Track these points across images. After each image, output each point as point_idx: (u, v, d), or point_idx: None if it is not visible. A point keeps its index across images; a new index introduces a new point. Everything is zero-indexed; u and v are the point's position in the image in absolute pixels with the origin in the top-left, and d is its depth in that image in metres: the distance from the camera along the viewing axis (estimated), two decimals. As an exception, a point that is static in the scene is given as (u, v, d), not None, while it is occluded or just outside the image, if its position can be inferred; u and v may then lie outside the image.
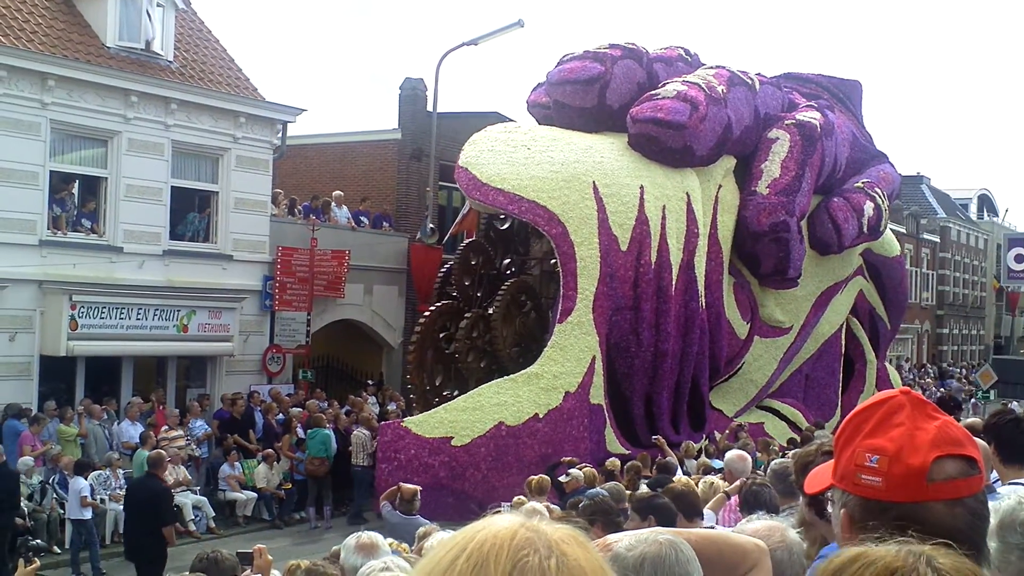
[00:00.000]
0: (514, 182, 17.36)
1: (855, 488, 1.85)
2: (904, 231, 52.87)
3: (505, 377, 17.24)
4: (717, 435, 19.74)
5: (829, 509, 2.07)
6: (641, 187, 18.19)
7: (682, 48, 20.51)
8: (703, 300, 19.04)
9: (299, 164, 25.73)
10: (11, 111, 17.51)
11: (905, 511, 1.78)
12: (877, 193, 21.35)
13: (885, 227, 22.14)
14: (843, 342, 22.92)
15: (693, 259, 18.64)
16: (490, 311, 17.90)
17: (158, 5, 20.06)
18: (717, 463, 13.24)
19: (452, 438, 16.87)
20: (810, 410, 21.56)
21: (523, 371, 17.18)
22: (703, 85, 18.55)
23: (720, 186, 19.73)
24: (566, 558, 1.20)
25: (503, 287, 18.02)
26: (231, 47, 21.91)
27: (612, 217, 17.81)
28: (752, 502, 6.26)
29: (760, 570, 2.93)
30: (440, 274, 19.18)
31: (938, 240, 54.98)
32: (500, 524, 1.24)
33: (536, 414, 16.96)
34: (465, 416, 16.88)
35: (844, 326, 22.94)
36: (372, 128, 27.81)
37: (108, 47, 19.27)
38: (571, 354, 17.30)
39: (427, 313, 18.80)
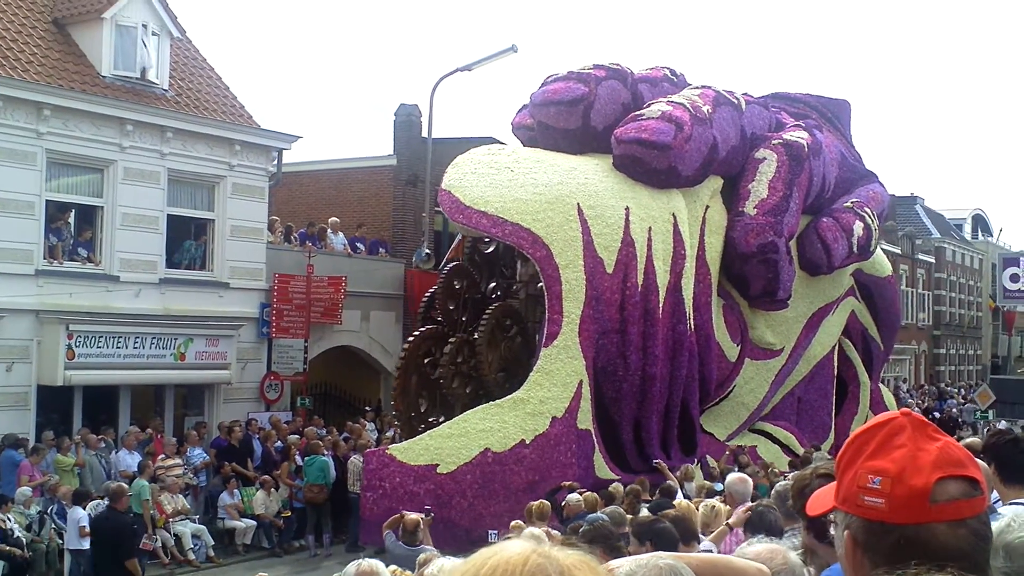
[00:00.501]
0: (497, 204, 16.95)
1: (858, 510, 1.84)
2: (899, 252, 52.46)
3: (490, 403, 16.74)
4: (709, 460, 19.25)
5: (831, 531, 2.13)
6: (626, 209, 17.76)
7: (667, 68, 20.14)
8: (691, 323, 18.58)
9: (295, 191, 25.66)
10: (6, 141, 17.51)
11: (908, 532, 1.77)
12: (867, 212, 20.91)
13: (875, 247, 21.68)
14: (835, 364, 22.39)
15: (680, 281, 18.18)
16: (475, 336, 17.42)
17: (153, 34, 20.17)
18: (718, 486, 13.17)
19: (437, 465, 16.42)
20: (803, 433, 21.08)
21: (509, 396, 16.72)
22: (688, 105, 18.15)
23: (707, 207, 19.31)
24: None
25: (488, 311, 17.55)
26: (226, 75, 22.44)
27: (597, 239, 17.38)
28: (757, 524, 6.23)
29: None
30: (424, 299, 18.73)
31: (933, 260, 54.57)
32: (511, 550, 1.22)
33: (523, 440, 16.50)
34: (450, 443, 16.43)
35: (836, 347, 22.43)
36: (367, 154, 27.94)
37: (103, 76, 19.33)
38: (557, 378, 16.84)
39: (411, 338, 18.34)
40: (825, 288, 21.37)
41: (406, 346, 18.40)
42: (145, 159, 19.27)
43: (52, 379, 17.55)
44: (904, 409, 1.98)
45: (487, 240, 18.55)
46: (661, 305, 17.97)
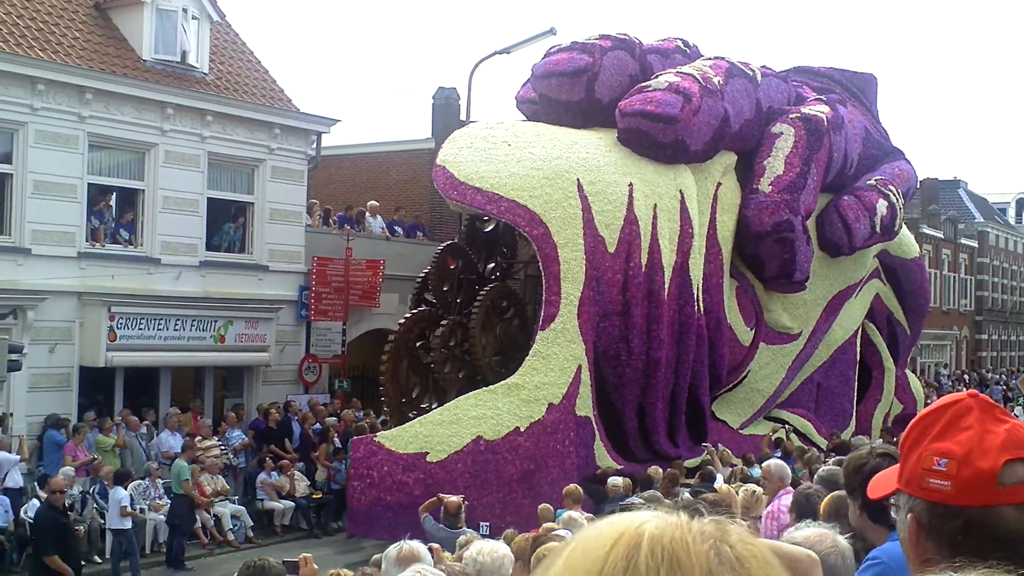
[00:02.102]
0: (492, 180, 15.61)
1: (923, 492, 1.77)
2: (942, 236, 50.28)
3: (483, 388, 15.42)
4: (721, 447, 17.75)
5: (893, 515, 1.99)
6: (630, 185, 16.30)
7: (680, 39, 18.62)
8: (701, 305, 17.10)
9: (333, 174, 25.37)
10: (50, 124, 17.50)
11: (975, 515, 1.70)
12: (891, 191, 19.22)
13: (900, 226, 19.97)
14: (858, 349, 20.71)
15: (688, 261, 16.71)
16: (469, 318, 16.09)
17: (193, 18, 19.99)
18: (754, 471, 12.79)
19: (427, 453, 15.24)
20: (822, 421, 19.48)
21: (502, 382, 15.40)
22: (698, 76, 16.64)
23: (719, 184, 17.76)
24: (751, 545, 1.04)
25: (482, 292, 16.19)
26: (265, 59, 22.33)
27: (598, 217, 15.97)
28: (804, 508, 5.90)
29: None
30: (418, 280, 17.41)
31: (976, 245, 52.28)
32: (650, 517, 1.06)
33: (517, 428, 15.28)
34: (441, 430, 15.22)
35: (859, 332, 20.74)
36: (406, 138, 27.31)
37: (144, 60, 19.15)
38: (554, 363, 15.48)
39: (401, 321, 17.05)
40: (847, 270, 19.70)
41: (396, 328, 17.10)
42: (185, 142, 19.14)
43: (94, 360, 17.50)
44: (971, 391, 1.89)
45: (486, 218, 17.17)
46: (667, 286, 16.55)
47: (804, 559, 2.90)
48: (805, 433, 19.06)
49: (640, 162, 16.67)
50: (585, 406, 15.86)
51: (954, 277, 51.82)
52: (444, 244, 17.85)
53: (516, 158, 15.99)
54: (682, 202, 16.93)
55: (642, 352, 16.37)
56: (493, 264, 17.96)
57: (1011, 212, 62.24)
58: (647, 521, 1.08)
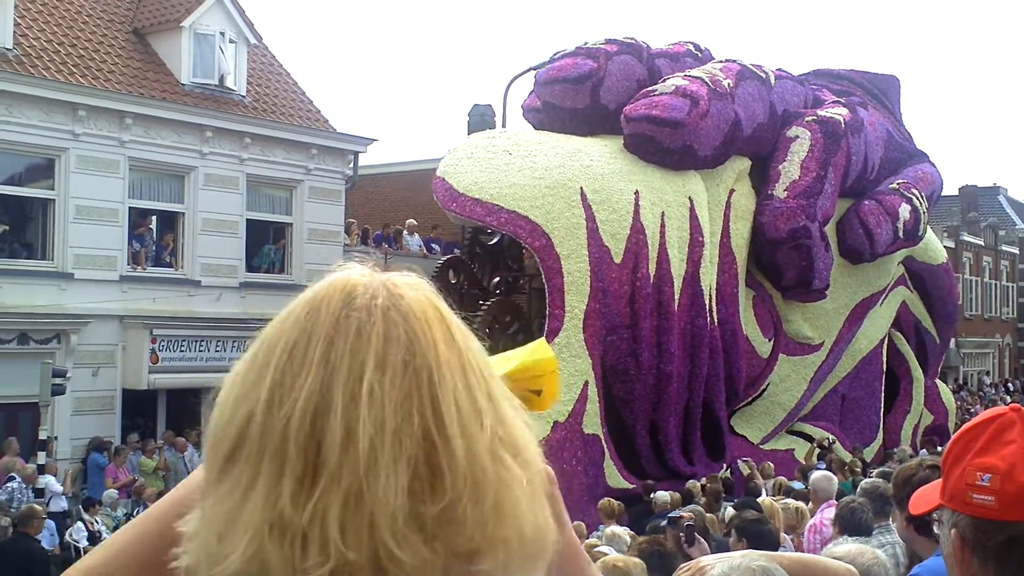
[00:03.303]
0: (492, 191, 14.74)
1: (966, 508, 1.73)
2: (982, 243, 48.57)
3: (485, 407, 14.40)
4: (741, 464, 16.71)
5: (936, 530, 2.00)
6: (636, 192, 15.32)
7: (691, 43, 17.64)
8: (714, 316, 16.05)
9: (371, 193, 25.23)
10: (91, 150, 17.53)
11: (1019, 531, 1.66)
12: (914, 194, 18.03)
13: (924, 231, 18.75)
14: (884, 359, 19.43)
15: (699, 271, 15.68)
16: (469, 334, 15.11)
17: (231, 41, 20.04)
18: (796, 485, 12.55)
19: (429, 476, 14.11)
20: (847, 434, 18.30)
21: (506, 399, 14.32)
22: (707, 79, 15.65)
23: (732, 190, 16.71)
24: (400, 299, 1.00)
25: (483, 307, 15.29)
26: (302, 80, 22.77)
27: (603, 226, 15.00)
28: (848, 521, 5.91)
29: None
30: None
31: (1017, 252, 50.51)
32: (343, 273, 1.05)
33: (522, 447, 14.07)
34: (442, 450, 14.13)
35: (886, 341, 19.46)
36: (442, 155, 27.02)
37: (183, 84, 19.18)
38: (559, 380, 14.33)
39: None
40: (870, 277, 18.50)
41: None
42: (225, 165, 19.17)
43: (136, 383, 17.49)
44: (1014, 404, 1.86)
45: (489, 231, 16.28)
46: (677, 297, 15.53)
47: (844, 574, 2.82)
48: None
49: (647, 169, 15.69)
50: (593, 423, 14.89)
51: (996, 284, 50.05)
52: (444, 258, 17.00)
53: (517, 167, 15.10)
54: (691, 209, 15.91)
55: (652, 366, 15.37)
56: (498, 278, 17.04)
57: (1052, 217, 59.94)
58: (331, 278, 1.05)
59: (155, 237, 18.74)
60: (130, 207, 18.02)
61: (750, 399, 17.46)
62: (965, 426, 1.83)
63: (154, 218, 18.83)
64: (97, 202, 17.46)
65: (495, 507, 0.95)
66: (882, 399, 19.53)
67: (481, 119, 24.81)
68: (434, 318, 1.01)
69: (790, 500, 9.28)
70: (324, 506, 0.91)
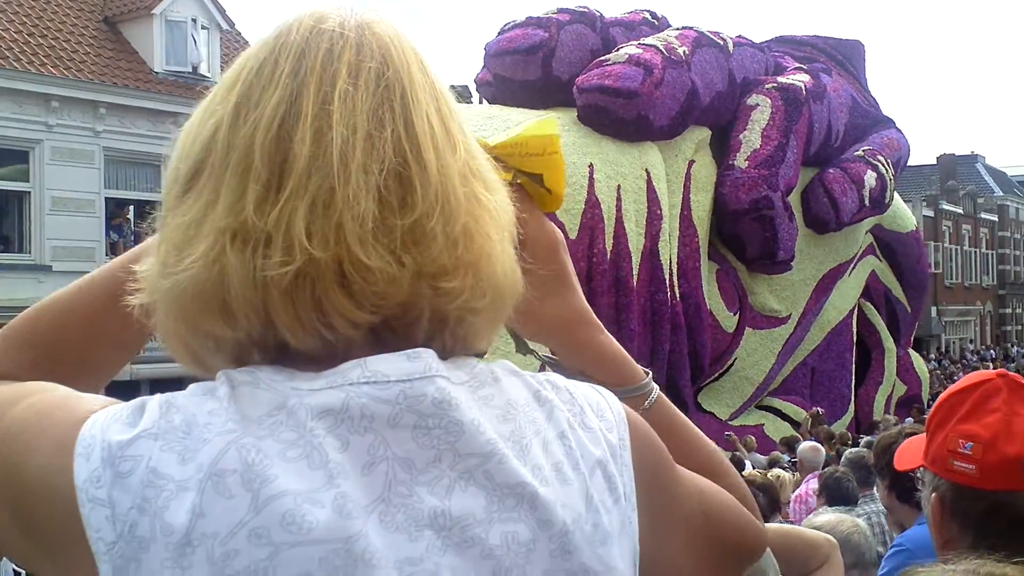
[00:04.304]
0: (441, 168, 13.74)
1: (947, 474, 1.72)
2: (961, 211, 47.93)
3: (439, 389, 13.62)
4: (726, 436, 16.01)
5: (920, 487, 1.95)
6: (590, 165, 14.47)
7: (648, 11, 16.72)
8: (676, 291, 15.24)
9: None
10: (65, 141, 17.27)
11: (1000, 500, 1.65)
12: (880, 161, 17.21)
13: (891, 198, 17.95)
14: (854, 330, 18.64)
15: (657, 245, 14.89)
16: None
17: (203, 28, 19.71)
18: (785, 457, 12.31)
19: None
20: (819, 407, 17.37)
21: (459, 381, 13.54)
22: (661, 47, 14.80)
23: (692, 161, 15.86)
24: (373, 24, 0.95)
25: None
26: None
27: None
28: (834, 490, 5.87)
29: (832, 565, 2.80)
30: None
31: (996, 219, 49.83)
32: (312, 3, 0.99)
33: (478, 429, 13.30)
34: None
35: (855, 312, 18.68)
36: None
37: (156, 72, 18.88)
38: (515, 360, 13.48)
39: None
40: (837, 247, 17.69)
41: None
42: None
43: (120, 374, 16.92)
44: (1001, 370, 1.82)
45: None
46: (635, 273, 14.72)
47: (824, 544, 2.84)
48: (799, 422, 17.06)
49: (601, 141, 14.85)
50: (551, 404, 14.04)
51: (975, 252, 49.44)
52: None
53: (467, 143, 14.23)
54: (648, 182, 15.07)
55: (612, 344, 14.49)
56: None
57: (1030, 184, 59.26)
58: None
59: (133, 227, 18.35)
60: (107, 197, 17.73)
61: (717, 375, 16.70)
62: (951, 388, 1.80)
63: (131, 208, 18.36)
64: (73, 193, 17.19)
65: (465, 232, 0.91)
66: (853, 371, 18.77)
67: (458, 100, 24.05)
68: (408, 46, 0.97)
69: (776, 470, 9.09)
70: (291, 209, 0.87)
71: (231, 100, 0.92)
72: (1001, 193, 52.06)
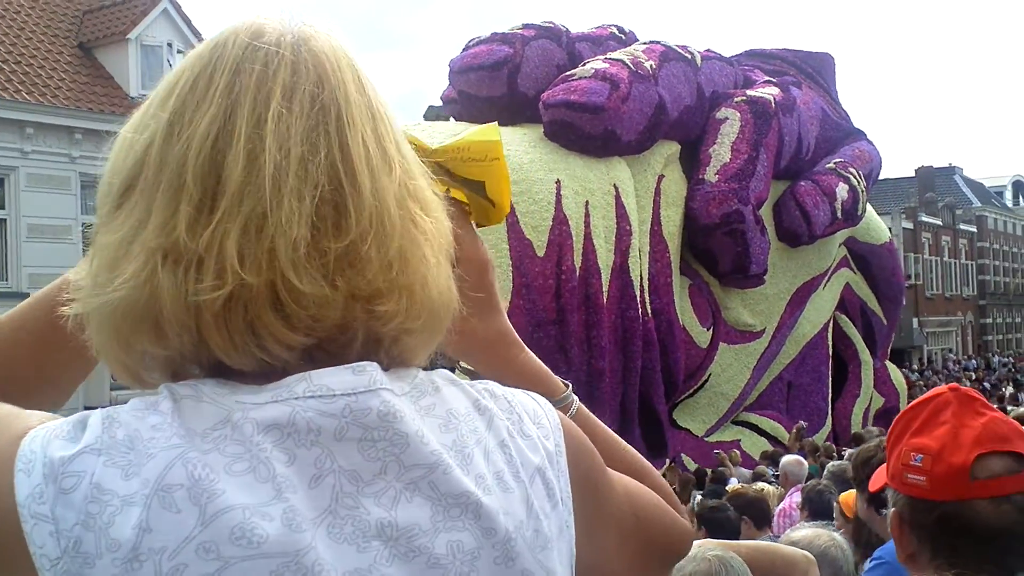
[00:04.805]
0: (406, 186, 13.37)
1: (903, 487, 1.74)
2: (940, 223, 47.81)
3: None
4: (685, 458, 15.67)
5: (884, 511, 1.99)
6: (557, 182, 14.16)
7: (615, 26, 16.49)
8: (647, 307, 14.91)
9: None
10: (41, 167, 17.13)
11: (949, 510, 1.66)
12: (852, 173, 16.95)
13: (864, 210, 17.68)
14: (830, 343, 18.31)
15: (627, 261, 14.57)
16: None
17: (178, 52, 19.39)
18: (770, 470, 12.08)
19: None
20: (793, 422, 17.04)
21: (427, 403, 13.12)
22: (627, 61, 14.53)
23: (662, 176, 15.55)
24: (311, 39, 0.94)
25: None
26: None
27: (523, 219, 13.84)
28: (816, 504, 5.70)
29: None
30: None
31: (975, 230, 49.69)
32: (252, 15, 0.97)
33: (446, 451, 12.86)
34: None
35: (830, 325, 18.35)
36: None
37: (132, 97, 18.42)
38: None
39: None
40: (810, 260, 17.38)
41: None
42: None
43: (99, 399, 16.85)
44: (952, 384, 1.84)
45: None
46: (605, 289, 14.40)
47: (801, 561, 2.77)
48: (775, 436, 16.77)
49: (568, 157, 14.55)
50: (521, 423, 13.65)
51: (955, 263, 49.31)
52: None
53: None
54: (617, 197, 14.77)
55: (583, 363, 14.23)
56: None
57: (1008, 195, 59.45)
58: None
59: (111, 253, 18.43)
60: (84, 223, 16.92)
61: (692, 391, 16.37)
62: (908, 406, 1.83)
63: None
64: (50, 220, 17.02)
65: (400, 255, 0.91)
66: (829, 384, 18.44)
67: (436, 120, 23.81)
68: (345, 63, 0.95)
69: (760, 483, 9.05)
70: (223, 232, 0.86)
71: (164, 115, 0.91)
72: (979, 204, 51.99)
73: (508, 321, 1.22)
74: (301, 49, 0.92)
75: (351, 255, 0.88)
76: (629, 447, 1.25)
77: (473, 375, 1.16)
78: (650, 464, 1.25)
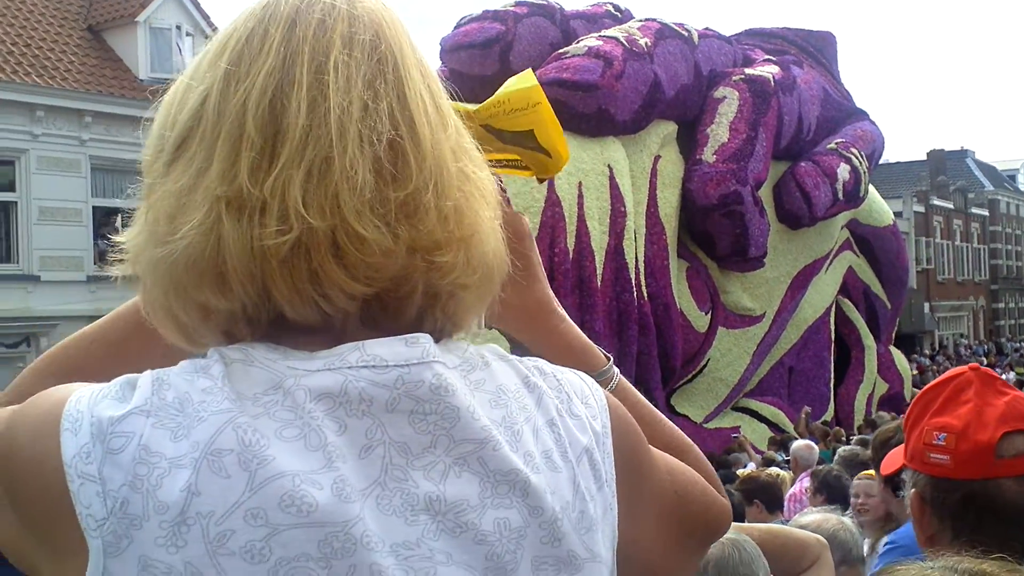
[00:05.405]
0: (395, 168, 12.93)
1: (924, 467, 1.72)
2: (952, 207, 47.06)
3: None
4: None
5: (903, 490, 1.94)
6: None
7: (610, 3, 15.89)
8: (643, 290, 14.41)
9: None
10: (51, 150, 17.09)
11: (974, 489, 1.65)
12: (853, 153, 16.37)
13: (866, 191, 17.11)
14: (832, 327, 17.75)
15: (622, 243, 14.09)
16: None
17: (187, 34, 19.34)
18: (779, 456, 12.01)
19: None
20: (795, 408, 16.53)
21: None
22: (622, 39, 14.00)
23: (658, 156, 15.04)
24: (362, 2, 0.93)
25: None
26: None
27: (515, 200, 13.28)
28: (834, 488, 5.57)
29: (822, 565, 2.72)
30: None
31: (987, 214, 48.92)
32: None
33: (435, 437, 12.44)
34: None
35: (833, 309, 17.79)
36: None
37: (141, 80, 18.42)
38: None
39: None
40: (811, 243, 16.83)
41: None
42: None
43: None
44: (972, 364, 1.84)
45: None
46: (599, 272, 13.94)
47: (814, 544, 2.70)
48: (776, 422, 16.27)
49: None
50: (513, 409, 13.21)
51: (967, 247, 48.53)
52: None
53: (420, 142, 13.41)
54: (611, 178, 14.25)
55: (576, 346, 13.65)
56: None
57: (1020, 179, 58.44)
58: None
59: (121, 235, 18.63)
60: (94, 206, 17.44)
61: (690, 376, 15.88)
62: (927, 386, 1.82)
63: (119, 217, 18.60)
64: (60, 203, 16.97)
65: (456, 208, 0.91)
66: (832, 369, 17.89)
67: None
68: (398, 23, 0.95)
69: (774, 468, 8.95)
70: (287, 177, 0.85)
71: (219, 69, 0.90)
72: (992, 188, 51.13)
73: (549, 290, 1.21)
74: (355, 5, 0.92)
75: (412, 204, 0.87)
76: (670, 423, 1.22)
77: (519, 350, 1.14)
78: (691, 441, 1.22)
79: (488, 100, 1.11)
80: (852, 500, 4.58)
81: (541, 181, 1.07)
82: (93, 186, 17.59)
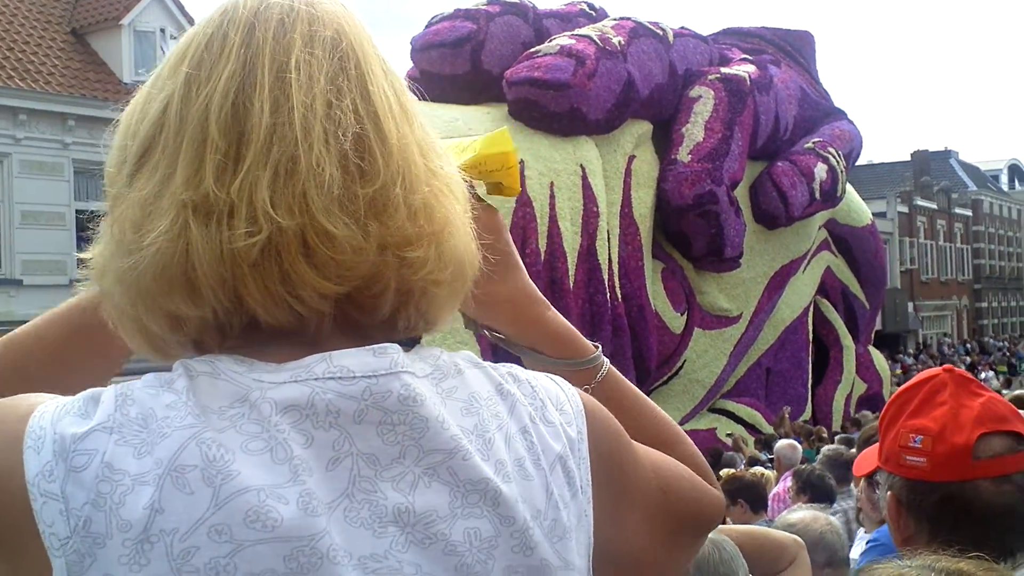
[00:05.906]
0: (364, 168, 12.57)
1: (900, 469, 1.70)
2: (935, 207, 46.90)
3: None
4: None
5: (876, 492, 1.97)
6: (521, 162, 13.24)
7: (585, 2, 15.56)
8: (617, 291, 14.08)
9: None
10: (34, 153, 16.88)
11: (951, 491, 1.63)
12: (831, 153, 16.09)
13: (843, 191, 16.82)
14: (810, 328, 17.45)
15: (595, 244, 13.78)
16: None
17: (172, 37, 18.98)
18: (763, 455, 12.07)
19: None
20: (772, 409, 16.23)
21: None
22: (595, 37, 13.70)
23: (633, 156, 14.70)
24: (320, 3, 0.92)
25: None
26: None
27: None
28: (817, 488, 5.59)
29: (799, 565, 2.74)
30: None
31: (970, 214, 48.79)
32: None
33: (405, 441, 12.09)
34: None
35: (811, 309, 17.49)
36: None
37: (125, 83, 18.08)
38: (463, 335, 12.37)
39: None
40: (788, 243, 16.54)
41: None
42: None
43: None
44: (946, 365, 1.81)
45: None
46: (572, 273, 13.63)
47: (791, 544, 2.71)
48: (752, 423, 15.98)
49: (533, 136, 13.73)
50: (485, 412, 12.87)
51: (950, 247, 48.40)
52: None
53: (390, 142, 13.05)
54: (584, 178, 13.94)
55: (548, 348, 13.31)
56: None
57: (1003, 179, 58.44)
58: None
59: (104, 240, 18.65)
60: (77, 210, 17.14)
61: (666, 378, 15.58)
62: (900, 388, 1.80)
63: (102, 221, 18.75)
64: (43, 206, 16.78)
65: (425, 204, 0.90)
66: (810, 370, 17.59)
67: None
68: (358, 22, 0.94)
69: (757, 468, 8.92)
70: (253, 179, 0.84)
71: (179, 76, 0.88)
72: (975, 188, 51.03)
73: (530, 280, 1.20)
74: (314, 5, 0.90)
75: (381, 200, 0.86)
76: (660, 412, 1.19)
77: (505, 343, 1.17)
78: (682, 430, 1.18)
79: (464, 161, 1.08)
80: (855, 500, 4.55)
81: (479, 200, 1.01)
82: (76, 190, 17.37)
